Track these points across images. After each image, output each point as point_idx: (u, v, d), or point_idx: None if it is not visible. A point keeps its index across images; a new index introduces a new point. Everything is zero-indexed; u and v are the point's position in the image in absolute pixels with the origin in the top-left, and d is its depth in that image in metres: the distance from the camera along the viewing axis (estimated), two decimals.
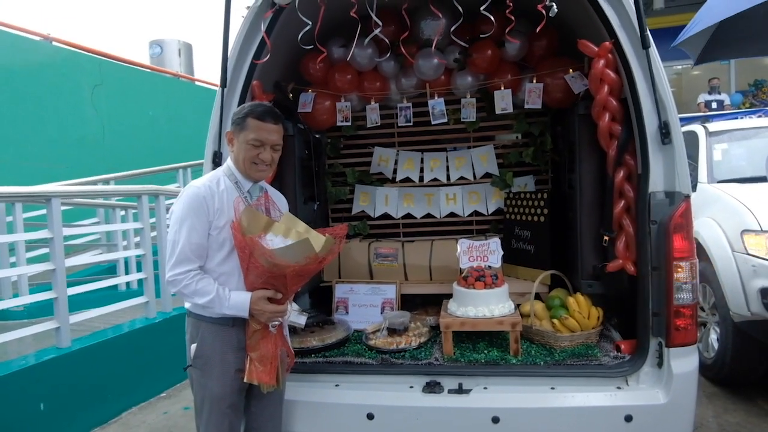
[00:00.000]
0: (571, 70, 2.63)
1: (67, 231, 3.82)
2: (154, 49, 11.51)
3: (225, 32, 2.39)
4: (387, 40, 2.58)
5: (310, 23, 2.16)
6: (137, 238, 5.98)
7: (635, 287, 2.24)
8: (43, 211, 6.22)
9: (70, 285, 3.62)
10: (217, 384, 1.90)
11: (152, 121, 9.89)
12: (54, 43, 8.18)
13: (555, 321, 2.46)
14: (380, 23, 2.19)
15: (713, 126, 4.65)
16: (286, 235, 1.84)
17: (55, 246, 3.40)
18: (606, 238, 2.38)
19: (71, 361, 3.43)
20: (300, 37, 2.26)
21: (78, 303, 4.02)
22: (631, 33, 2.14)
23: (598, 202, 2.49)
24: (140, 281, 4.48)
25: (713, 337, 3.70)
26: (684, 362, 2.09)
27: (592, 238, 2.51)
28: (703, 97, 8.85)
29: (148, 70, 10.44)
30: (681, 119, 2.23)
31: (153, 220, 4.82)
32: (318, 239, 1.82)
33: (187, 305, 2.01)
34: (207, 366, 1.92)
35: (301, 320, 1.99)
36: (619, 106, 2.26)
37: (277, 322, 1.87)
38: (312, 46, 2.33)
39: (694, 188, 3.98)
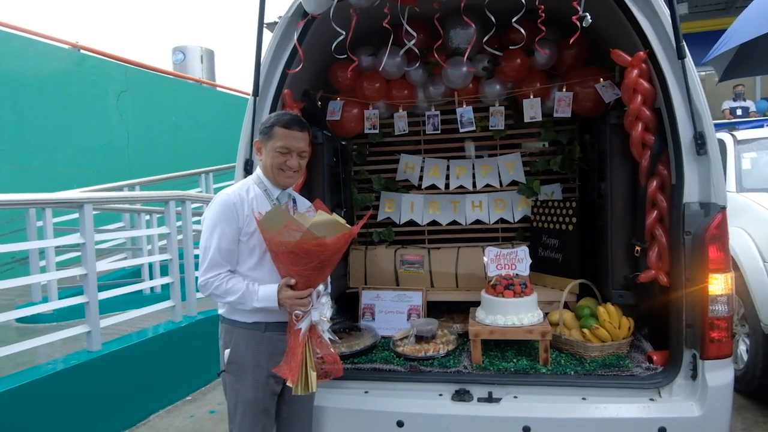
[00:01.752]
0: (601, 79, 2.62)
1: (98, 236, 3.91)
2: (177, 55, 11.71)
3: (258, 42, 2.43)
4: (416, 49, 2.60)
5: (344, 33, 2.18)
6: (161, 243, 6.09)
7: (668, 298, 2.22)
8: (70, 217, 6.41)
9: (99, 289, 3.69)
10: (250, 389, 1.94)
11: (175, 126, 10.06)
12: (82, 51, 8.38)
13: (585, 330, 2.45)
14: (414, 34, 2.21)
15: (741, 134, 4.58)
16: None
17: (87, 251, 3.47)
18: (638, 248, 2.37)
19: (102, 365, 3.50)
20: (334, 47, 2.29)
21: (103, 306, 4.10)
22: (666, 43, 2.13)
23: (629, 211, 2.48)
24: (165, 285, 4.56)
25: (742, 348, 3.63)
26: (719, 375, 2.07)
27: (623, 247, 2.49)
28: (727, 104, 8.72)
29: (172, 77, 10.63)
30: None
31: (179, 223, 4.90)
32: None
33: (221, 311, 2.05)
34: (240, 371, 1.95)
35: (327, 337, 1.96)
36: (653, 116, 2.25)
37: (299, 312, 1.86)
38: (345, 56, 2.35)
39: None
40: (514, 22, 2.15)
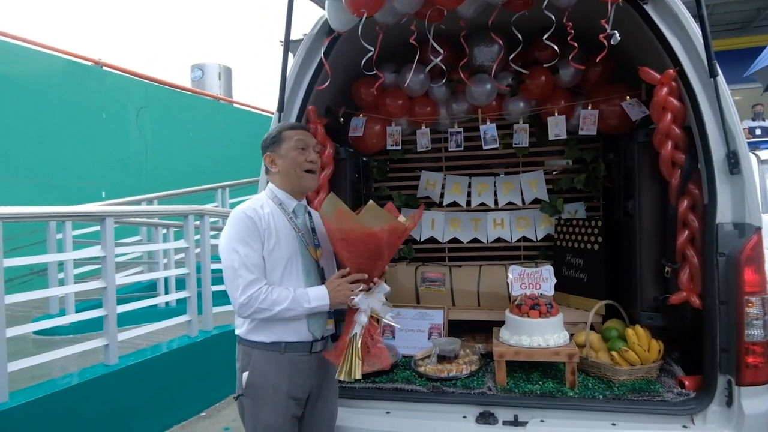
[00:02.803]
0: (628, 97, 2.60)
1: (117, 249, 3.92)
2: (196, 72, 11.91)
3: (284, 58, 2.45)
4: (444, 66, 2.60)
5: (372, 49, 2.19)
6: (177, 256, 6.12)
7: (700, 321, 2.15)
8: (88, 230, 6.48)
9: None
10: (270, 414, 1.86)
11: (192, 142, 10.19)
12: (104, 67, 8.56)
13: (613, 353, 2.38)
14: (442, 51, 2.21)
15: (765, 154, 4.52)
16: None
17: (107, 264, 3.49)
18: (668, 269, 2.31)
19: (118, 379, 3.48)
20: (363, 64, 2.30)
21: (120, 320, 4.10)
22: (696, 60, 2.10)
23: (658, 231, 2.43)
24: (180, 299, 4.55)
25: None
26: (756, 402, 1.99)
27: (652, 268, 2.43)
28: (746, 123, 8.63)
29: (190, 93, 10.80)
30: None
31: (197, 237, 4.91)
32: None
33: (238, 331, 1.97)
34: (259, 395, 1.88)
35: (387, 313, 1.96)
36: (683, 134, 2.21)
37: (354, 298, 1.85)
38: (373, 72, 2.35)
39: None
40: (545, 39, 2.14)
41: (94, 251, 3.74)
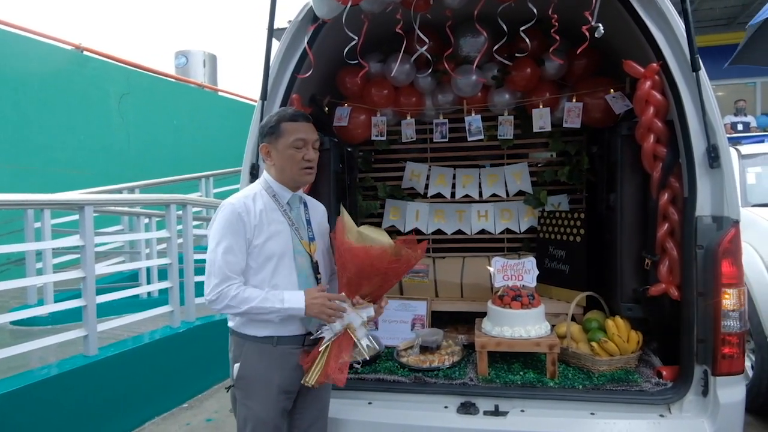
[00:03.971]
0: (612, 90, 2.61)
1: (97, 239, 3.84)
2: (180, 59, 11.71)
3: (267, 46, 2.41)
4: (429, 56, 2.58)
5: (356, 38, 2.16)
6: (159, 246, 6.03)
7: (678, 312, 2.19)
8: (68, 219, 6.35)
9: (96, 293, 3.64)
10: (260, 405, 1.85)
11: (176, 130, 10.03)
12: (85, 52, 8.36)
13: (593, 344, 2.41)
14: (427, 41, 2.19)
15: (746, 149, 4.58)
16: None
17: (86, 253, 3.42)
18: (648, 261, 2.34)
19: (97, 370, 3.43)
20: (346, 52, 2.27)
21: (100, 310, 4.04)
22: (679, 54, 2.11)
23: (639, 224, 2.45)
24: (163, 290, 4.50)
25: (747, 364, 3.60)
26: (731, 392, 2.04)
27: (633, 260, 2.46)
28: (729, 119, 8.75)
29: (174, 80, 10.62)
30: None
31: (179, 227, 4.85)
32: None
33: (231, 323, 1.94)
34: (250, 387, 1.86)
35: (364, 339, 1.87)
36: (665, 128, 2.23)
37: (328, 328, 1.83)
38: (356, 61, 2.33)
39: None
40: (523, 31, 2.14)
41: (73, 240, 3.66)
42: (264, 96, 2.46)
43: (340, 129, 3.01)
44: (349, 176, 3.16)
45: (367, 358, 1.90)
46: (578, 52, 2.12)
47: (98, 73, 8.54)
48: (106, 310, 4.18)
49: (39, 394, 3.02)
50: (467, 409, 2.20)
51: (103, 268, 4.08)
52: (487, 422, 2.14)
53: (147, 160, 9.12)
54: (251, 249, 1.83)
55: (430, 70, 2.74)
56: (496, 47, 2.32)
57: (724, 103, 10.21)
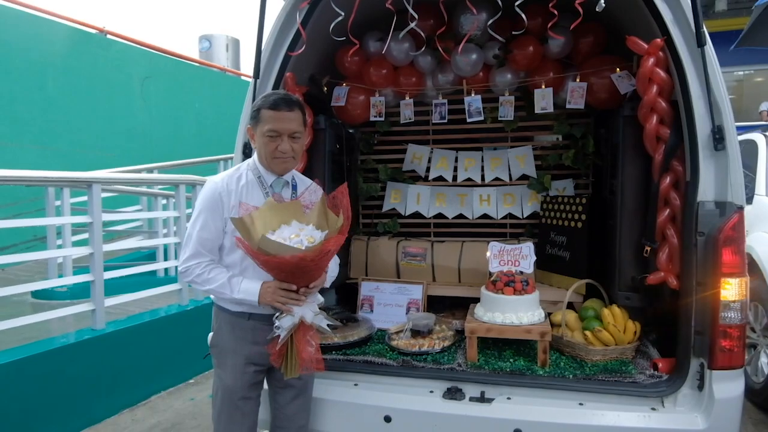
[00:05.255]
0: (618, 69, 2.49)
1: (107, 217, 3.94)
2: (204, 43, 11.83)
3: (260, 22, 2.38)
4: (423, 35, 2.51)
5: (343, 14, 2.11)
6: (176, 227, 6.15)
7: (677, 302, 2.09)
8: (103, 195, 6.52)
9: (109, 269, 3.73)
10: (229, 375, 1.90)
11: (198, 113, 10.16)
12: (108, 36, 8.51)
13: (587, 333, 2.33)
14: (416, 16, 2.12)
15: None
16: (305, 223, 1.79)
17: (94, 230, 3.50)
18: (648, 248, 2.23)
19: (105, 343, 3.53)
20: (332, 28, 2.22)
21: (119, 287, 4.15)
22: (686, 30, 1.99)
23: (640, 209, 2.34)
24: (177, 268, 4.58)
25: (764, 360, 3.44)
26: (728, 387, 1.93)
27: (632, 247, 2.36)
28: (765, 105, 8.34)
29: (196, 64, 10.73)
30: (740, 127, 2.06)
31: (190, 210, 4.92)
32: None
33: (211, 295, 1.99)
34: (221, 356, 1.92)
35: (322, 323, 1.86)
36: (669, 108, 2.11)
37: (310, 314, 1.79)
38: (344, 38, 2.28)
39: (750, 200, 3.72)
40: (522, 6, 2.04)
41: (85, 218, 3.74)
42: (257, 74, 2.44)
43: (338, 109, 2.97)
44: (349, 158, 3.13)
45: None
46: (571, 28, 2.01)
47: (122, 57, 8.70)
48: (125, 287, 4.27)
49: (46, 364, 3.13)
50: (453, 394, 2.17)
51: (112, 246, 4.17)
52: (472, 408, 2.10)
53: (169, 142, 9.28)
54: (227, 228, 1.85)
55: (425, 49, 2.65)
56: (489, 22, 2.23)
57: (760, 88, 9.74)
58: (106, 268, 3.65)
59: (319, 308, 1.81)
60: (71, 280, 3.66)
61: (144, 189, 5.92)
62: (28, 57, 7.47)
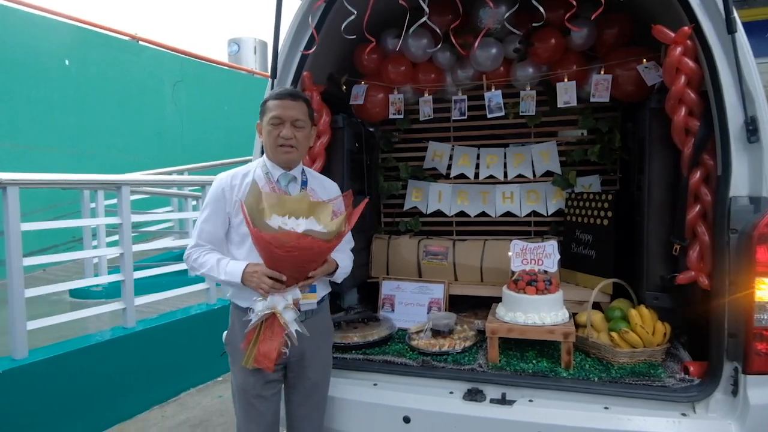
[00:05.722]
0: (644, 60, 2.39)
1: (140, 218, 4.04)
2: (232, 47, 12.04)
3: (276, 23, 2.39)
4: (440, 31, 2.47)
5: (355, 12, 2.09)
6: None
7: (709, 303, 1.99)
8: (134, 198, 6.73)
9: (140, 269, 3.83)
10: (241, 373, 1.90)
11: (227, 115, 10.34)
12: (140, 42, 8.76)
13: (613, 334, 2.25)
14: (427, 11, 2.08)
15: None
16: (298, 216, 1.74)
17: (123, 231, 3.60)
18: (677, 246, 2.14)
19: (135, 341, 3.63)
20: (346, 27, 2.21)
21: (151, 286, 4.26)
22: (715, 16, 1.89)
23: (668, 205, 2.25)
24: None
25: None
26: (764, 392, 1.83)
27: (661, 245, 2.26)
28: None
29: (225, 67, 10.93)
30: None
31: None
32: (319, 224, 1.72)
33: (227, 294, 2.02)
34: (235, 354, 1.93)
35: (292, 327, 1.78)
36: (698, 99, 2.01)
37: (286, 314, 1.75)
38: (360, 36, 2.26)
39: None
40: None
41: (115, 219, 3.85)
42: (274, 74, 2.46)
43: (357, 108, 2.96)
44: (368, 156, 3.11)
45: (295, 344, 1.78)
46: (592, 18, 1.94)
47: (153, 62, 8.93)
48: (156, 287, 4.37)
49: (77, 361, 3.23)
50: (473, 396, 2.13)
51: (141, 246, 4.27)
52: (493, 410, 2.06)
53: (200, 144, 9.49)
54: (233, 223, 1.89)
55: (443, 45, 2.61)
56: (506, 14, 2.17)
57: None
58: (139, 268, 3.75)
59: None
60: (103, 279, 3.78)
61: (174, 190, 6.06)
62: (65, 65, 7.75)
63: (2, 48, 7.22)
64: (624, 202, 2.66)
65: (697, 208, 2.05)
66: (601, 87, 2.50)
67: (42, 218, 5.72)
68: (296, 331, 1.77)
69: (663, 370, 2.14)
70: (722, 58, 1.88)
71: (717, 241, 1.93)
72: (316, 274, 1.81)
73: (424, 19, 2.16)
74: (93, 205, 5.53)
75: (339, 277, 1.97)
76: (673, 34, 2.01)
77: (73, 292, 5.67)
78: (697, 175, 2.04)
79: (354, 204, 1.84)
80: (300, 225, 1.68)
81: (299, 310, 1.83)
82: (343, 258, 2.01)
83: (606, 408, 1.99)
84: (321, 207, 1.80)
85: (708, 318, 1.99)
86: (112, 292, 5.13)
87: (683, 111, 2.04)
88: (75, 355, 3.22)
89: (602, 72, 2.53)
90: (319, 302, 2.00)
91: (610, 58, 2.56)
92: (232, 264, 1.83)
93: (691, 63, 1.99)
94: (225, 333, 1.99)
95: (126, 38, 8.57)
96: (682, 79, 2.01)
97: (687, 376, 2.05)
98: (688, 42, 1.98)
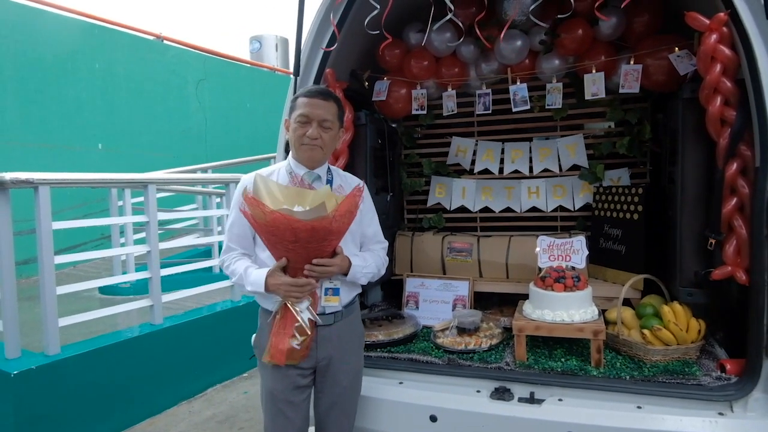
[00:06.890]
0: (677, 49, 2.31)
1: (166, 215, 4.10)
2: (254, 44, 12.12)
3: (299, 20, 2.39)
4: (462, 25, 2.43)
5: (378, 7, 2.07)
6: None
7: (746, 299, 1.92)
8: (160, 195, 6.85)
9: (168, 266, 3.89)
10: (270, 377, 1.87)
11: (250, 112, 10.44)
12: (165, 41, 8.88)
13: (645, 331, 2.19)
14: (452, 8, 2.04)
15: None
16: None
17: (150, 229, 3.65)
18: (712, 240, 2.06)
19: (163, 338, 3.68)
20: (369, 23, 2.18)
21: (178, 283, 4.33)
22: (753, 1, 1.81)
23: (702, 198, 2.17)
24: None
25: None
26: None
27: (694, 239, 2.19)
28: None
29: (247, 65, 11.02)
30: None
31: None
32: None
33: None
34: (262, 357, 1.88)
35: (305, 316, 1.76)
36: (734, 88, 1.93)
37: (300, 304, 1.73)
38: (377, 32, 2.24)
39: None
40: None
41: (142, 217, 3.91)
42: (297, 72, 2.45)
43: (380, 104, 2.94)
44: (391, 152, 3.09)
45: (308, 333, 1.76)
46: (622, 6, 1.88)
47: (177, 61, 9.06)
48: (183, 284, 4.44)
49: (107, 357, 3.29)
50: (501, 394, 2.10)
51: (168, 244, 4.34)
52: (521, 410, 2.03)
53: (223, 142, 9.60)
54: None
55: (466, 38, 2.57)
56: (532, 7, 2.11)
57: None
58: (165, 266, 3.81)
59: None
60: (130, 277, 3.85)
61: (199, 188, 6.14)
62: (93, 65, 7.92)
63: (32, 49, 7.41)
64: (654, 196, 2.58)
65: (734, 200, 1.97)
66: (630, 77, 2.43)
67: (72, 216, 5.84)
68: (308, 319, 1.74)
69: (698, 368, 2.08)
70: (760, 45, 1.80)
71: (755, 235, 1.86)
72: (321, 263, 1.73)
73: (449, 16, 2.12)
74: (120, 203, 5.64)
75: (359, 276, 1.89)
76: (707, 21, 1.93)
77: (102, 289, 5.80)
78: (734, 166, 1.96)
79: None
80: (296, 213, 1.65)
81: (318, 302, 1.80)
82: (366, 257, 1.95)
83: (639, 407, 1.95)
84: (321, 196, 1.73)
85: (746, 314, 1.92)
86: (139, 288, 5.23)
87: (719, 100, 1.96)
88: (105, 351, 3.28)
89: (632, 62, 2.46)
90: (346, 306, 1.95)
91: (640, 48, 2.48)
92: (254, 274, 1.79)
93: (727, 50, 1.91)
94: (254, 336, 1.96)
95: (151, 38, 8.71)
96: (718, 67, 1.93)
97: (723, 374, 1.99)
98: (724, 29, 1.91)
